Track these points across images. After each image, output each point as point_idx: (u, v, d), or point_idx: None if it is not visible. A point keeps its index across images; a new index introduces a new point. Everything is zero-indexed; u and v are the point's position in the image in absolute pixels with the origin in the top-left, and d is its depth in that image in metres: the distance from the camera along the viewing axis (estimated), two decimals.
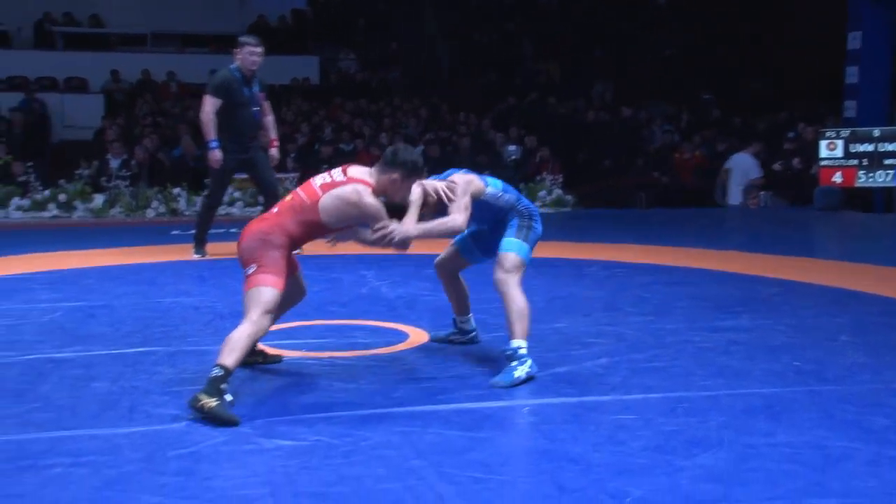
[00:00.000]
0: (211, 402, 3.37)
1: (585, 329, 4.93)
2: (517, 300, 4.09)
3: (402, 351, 4.49)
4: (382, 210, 3.81)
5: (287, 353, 4.42)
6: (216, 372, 3.47)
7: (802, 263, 7.32)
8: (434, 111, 15.99)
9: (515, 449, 3.11)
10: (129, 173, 12.09)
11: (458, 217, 4.02)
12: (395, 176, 3.82)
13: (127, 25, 17.67)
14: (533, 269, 6.89)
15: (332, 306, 5.57)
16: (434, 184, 4.08)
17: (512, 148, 13.60)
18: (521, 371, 3.92)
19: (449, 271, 4.56)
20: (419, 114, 15.75)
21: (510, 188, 4.33)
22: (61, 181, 11.88)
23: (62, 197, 11.63)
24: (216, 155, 7.27)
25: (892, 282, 6.37)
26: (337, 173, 3.86)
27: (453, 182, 4.09)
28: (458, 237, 4.48)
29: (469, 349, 4.49)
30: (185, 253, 7.92)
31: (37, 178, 11.86)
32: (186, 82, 16.29)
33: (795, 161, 12.76)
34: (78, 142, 14.60)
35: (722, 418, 3.40)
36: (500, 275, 4.14)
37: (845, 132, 11.76)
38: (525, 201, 4.35)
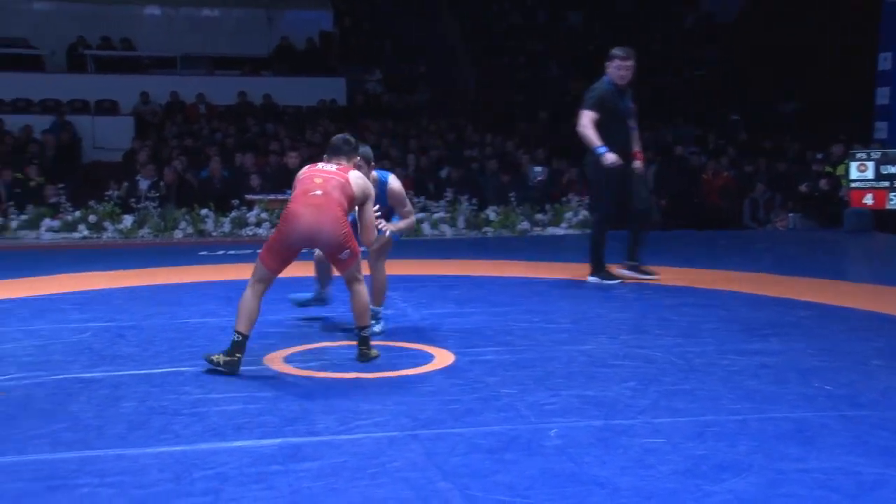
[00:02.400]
0: (375, 353, 4.70)
1: (613, 351, 4.90)
2: (382, 276, 5.50)
3: (428, 372, 4.48)
4: None
5: (314, 374, 4.43)
6: (366, 332, 4.67)
7: (833, 286, 7.24)
8: (460, 132, 16.03)
9: (542, 472, 3.08)
10: (157, 194, 12.19)
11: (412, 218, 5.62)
12: (364, 165, 5.01)
13: (157, 48, 17.89)
14: (559, 290, 6.91)
15: None
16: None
17: (538, 169, 13.60)
18: (378, 327, 5.34)
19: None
20: (445, 135, 15.80)
21: None
22: (91, 202, 12.01)
23: (92, 218, 11.74)
24: (609, 157, 6.93)
25: None
26: (329, 164, 4.76)
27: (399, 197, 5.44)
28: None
29: (493, 372, 4.47)
30: (212, 273, 7.96)
31: (67, 200, 11.99)
32: (215, 104, 16.45)
33: (822, 182, 12.66)
34: (108, 163, 14.76)
35: (752, 443, 3.37)
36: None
37: (876, 154, 11.66)
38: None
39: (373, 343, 4.88)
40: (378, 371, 4.51)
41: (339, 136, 4.99)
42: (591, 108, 7.11)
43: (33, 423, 3.65)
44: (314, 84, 17.29)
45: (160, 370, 4.51)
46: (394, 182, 5.44)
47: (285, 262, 4.57)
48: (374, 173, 5.32)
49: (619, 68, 7.16)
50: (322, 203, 4.49)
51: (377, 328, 5.37)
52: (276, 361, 4.71)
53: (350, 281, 4.65)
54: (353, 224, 4.87)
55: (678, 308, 6.18)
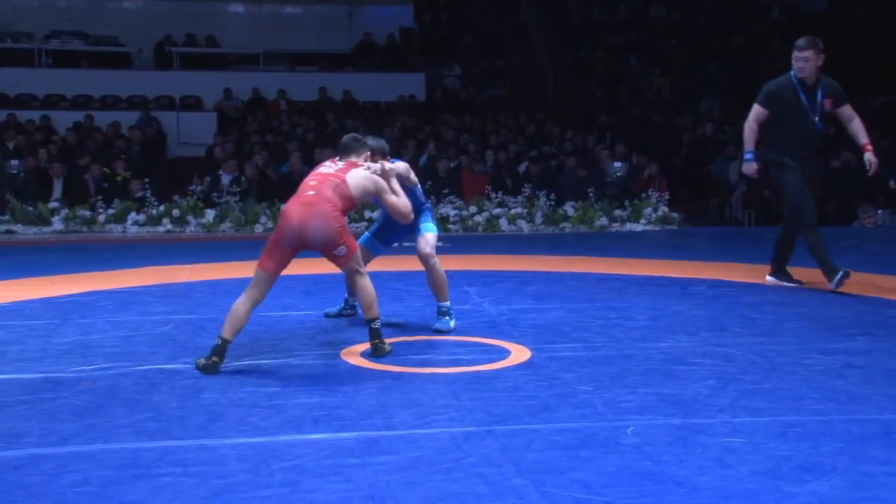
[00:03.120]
0: (388, 347, 4.70)
1: (691, 349, 4.83)
2: (441, 270, 5.34)
3: (504, 368, 4.47)
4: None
5: (390, 368, 4.46)
6: (377, 325, 4.68)
7: None
8: (539, 127, 15.95)
9: (618, 469, 3.05)
10: (238, 189, 12.41)
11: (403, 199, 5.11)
12: (380, 158, 5.06)
13: (240, 45, 18.20)
14: (636, 287, 6.84)
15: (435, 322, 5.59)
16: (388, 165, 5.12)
17: (617, 165, 13.46)
18: (453, 322, 5.36)
19: None
20: (525, 130, 15.74)
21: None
22: (175, 196, 12.28)
23: (176, 212, 12.01)
24: (749, 167, 6.68)
25: None
26: (336, 164, 4.90)
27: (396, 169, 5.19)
28: (362, 239, 5.55)
29: (569, 369, 4.44)
30: (291, 267, 8.04)
31: (152, 194, 12.29)
32: (295, 100, 16.67)
33: None
34: (191, 158, 15.07)
35: (836, 444, 3.28)
36: (427, 249, 5.30)
37: None
38: (425, 199, 5.58)
39: (448, 338, 4.88)
40: (454, 366, 4.52)
41: (348, 135, 5.12)
42: (758, 102, 6.70)
43: (119, 412, 3.76)
44: (393, 80, 17.39)
45: (240, 362, 4.59)
46: (399, 165, 5.28)
47: (281, 264, 4.58)
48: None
49: (796, 60, 6.60)
50: (312, 201, 4.57)
51: (451, 323, 5.38)
52: (353, 356, 4.75)
53: (350, 274, 4.77)
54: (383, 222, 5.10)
55: (759, 306, 6.06)
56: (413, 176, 5.36)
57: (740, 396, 3.93)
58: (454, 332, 5.32)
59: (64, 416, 3.70)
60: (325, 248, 4.61)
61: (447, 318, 5.39)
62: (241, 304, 4.52)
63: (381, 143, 5.27)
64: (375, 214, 9.06)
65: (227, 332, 4.44)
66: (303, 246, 4.60)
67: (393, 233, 5.59)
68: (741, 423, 3.54)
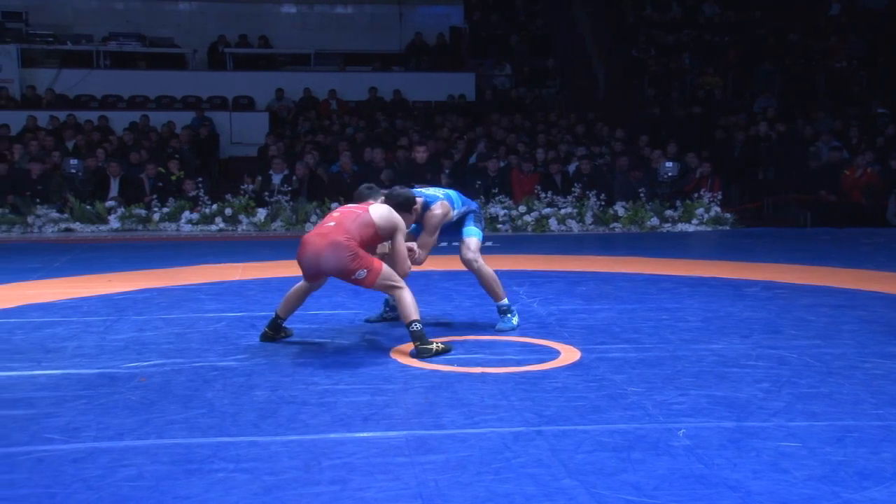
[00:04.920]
0: (435, 347, 4.64)
1: (745, 351, 4.76)
2: (488, 271, 5.36)
3: (553, 368, 4.45)
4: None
5: (439, 368, 4.46)
6: (415, 327, 4.63)
7: None
8: (589, 127, 15.85)
9: (670, 472, 3.02)
10: (289, 188, 12.51)
11: (423, 253, 5.25)
12: (410, 215, 5.06)
13: (292, 45, 18.35)
14: (688, 288, 6.77)
15: (484, 322, 5.58)
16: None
17: (669, 165, 13.32)
18: (515, 319, 5.39)
19: None
20: (575, 130, 15.65)
21: (464, 198, 5.51)
22: (228, 195, 12.41)
23: (228, 211, 12.14)
24: None
25: None
26: (355, 207, 4.94)
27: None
28: None
29: (619, 370, 4.40)
30: None
31: (205, 193, 12.43)
32: (346, 100, 16.76)
33: None
34: (243, 157, 15.23)
35: None
36: (468, 255, 5.33)
37: None
38: (473, 204, 5.58)
39: (498, 337, 4.85)
40: (503, 366, 4.50)
41: (362, 185, 5.29)
42: None
43: (172, 408, 3.81)
44: (443, 79, 17.40)
45: (290, 360, 4.63)
46: (435, 209, 5.26)
47: (313, 280, 4.92)
48: (422, 199, 5.24)
49: None
50: (328, 232, 4.70)
51: (514, 320, 5.40)
52: (402, 355, 4.76)
53: (385, 291, 4.87)
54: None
55: (815, 308, 5.96)
56: (449, 215, 5.34)
57: (795, 400, 3.86)
58: (514, 331, 5.32)
59: (120, 412, 3.76)
60: (342, 275, 4.72)
61: (508, 315, 5.42)
62: (297, 287, 4.97)
63: (403, 192, 5.13)
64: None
65: (281, 310, 5.02)
66: (321, 274, 4.81)
67: (441, 234, 5.49)
68: (796, 427, 3.48)
